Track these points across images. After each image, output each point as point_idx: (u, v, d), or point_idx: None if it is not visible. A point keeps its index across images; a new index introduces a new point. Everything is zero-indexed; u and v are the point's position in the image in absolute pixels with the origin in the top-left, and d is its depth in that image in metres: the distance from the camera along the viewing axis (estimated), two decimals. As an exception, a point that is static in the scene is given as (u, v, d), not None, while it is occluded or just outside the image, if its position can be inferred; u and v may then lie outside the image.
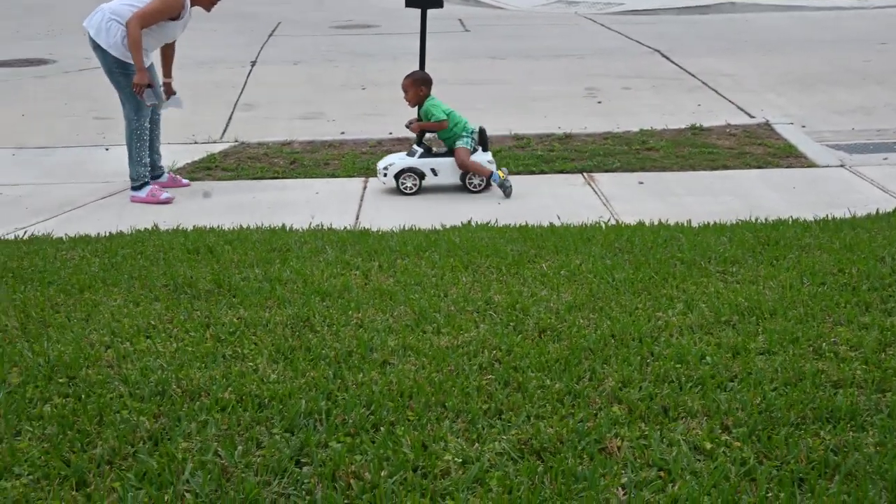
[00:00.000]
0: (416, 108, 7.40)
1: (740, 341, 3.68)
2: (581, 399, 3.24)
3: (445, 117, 7.24)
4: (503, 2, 17.47)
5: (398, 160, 7.26)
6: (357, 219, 6.68)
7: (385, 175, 7.23)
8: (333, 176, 7.69)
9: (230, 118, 9.73)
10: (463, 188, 7.25)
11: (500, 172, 7.15)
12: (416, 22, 8.58)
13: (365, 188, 7.41)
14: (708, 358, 3.53)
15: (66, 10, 17.49)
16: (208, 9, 7.11)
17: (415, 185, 7.19)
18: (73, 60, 12.52)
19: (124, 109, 7.04)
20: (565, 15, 16.17)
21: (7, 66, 12.25)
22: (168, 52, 7.31)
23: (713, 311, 4.02)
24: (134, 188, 7.10)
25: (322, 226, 6.18)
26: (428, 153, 7.31)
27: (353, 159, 8.03)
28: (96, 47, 6.99)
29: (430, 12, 8.38)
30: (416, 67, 8.45)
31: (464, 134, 7.26)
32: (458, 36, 14.10)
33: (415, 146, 7.37)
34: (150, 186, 7.11)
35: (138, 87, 6.87)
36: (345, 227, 6.19)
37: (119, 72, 6.94)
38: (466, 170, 7.19)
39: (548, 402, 3.22)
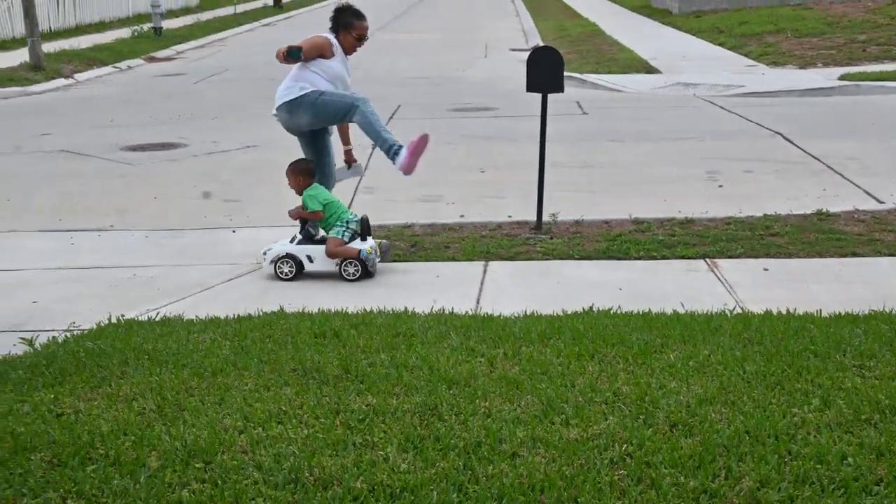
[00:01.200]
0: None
1: (884, 442, 3.56)
2: (718, 499, 3.17)
3: (320, 208, 7.42)
4: (621, 84, 17.54)
5: (278, 246, 7.46)
6: (478, 303, 6.71)
7: (264, 259, 7.39)
8: (454, 259, 7.75)
9: (352, 201, 9.93)
10: (341, 277, 7.35)
11: (367, 248, 7.28)
12: (534, 104, 8.69)
13: (485, 272, 7.45)
14: (850, 459, 3.42)
15: (200, 96, 18.24)
16: (348, 53, 7.51)
17: (291, 270, 7.35)
18: (202, 145, 13.01)
19: (348, 116, 7.46)
20: (684, 97, 16.13)
21: (141, 150, 12.79)
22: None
23: (852, 408, 3.90)
24: (394, 154, 7.46)
25: (444, 310, 6.22)
26: (308, 240, 7.49)
27: (473, 243, 8.10)
28: (282, 110, 7.44)
29: (550, 95, 8.49)
30: (537, 150, 8.54)
31: (337, 224, 7.43)
32: (576, 118, 14.18)
33: (297, 233, 7.54)
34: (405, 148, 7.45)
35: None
36: (466, 312, 6.22)
37: (302, 111, 7.36)
38: (333, 257, 7.33)
39: (683, 501, 3.15)
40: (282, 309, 6.24)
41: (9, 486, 3.42)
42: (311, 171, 7.67)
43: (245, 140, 13.23)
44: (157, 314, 6.29)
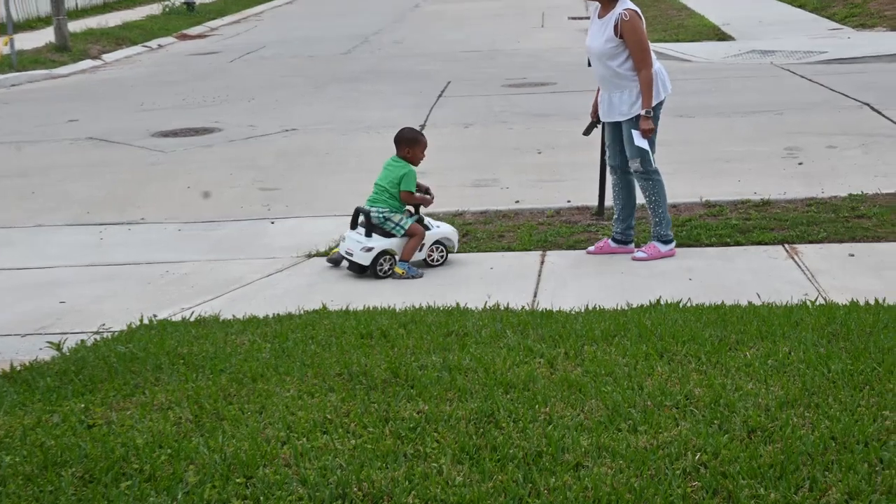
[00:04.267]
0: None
1: (985, 449, 3.50)
2: (801, 514, 3.14)
3: None
4: (690, 53, 17.36)
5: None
6: (535, 297, 6.71)
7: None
8: (508, 249, 7.76)
9: (399, 187, 9.95)
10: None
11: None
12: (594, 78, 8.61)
13: (542, 263, 7.44)
14: (947, 468, 3.38)
15: (236, 76, 18.38)
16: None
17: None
18: (238, 129, 13.11)
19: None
20: (760, 66, 15.93)
21: (173, 136, 12.92)
22: None
23: (950, 411, 3.85)
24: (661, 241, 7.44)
25: (499, 305, 6.23)
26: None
27: (530, 231, 8.09)
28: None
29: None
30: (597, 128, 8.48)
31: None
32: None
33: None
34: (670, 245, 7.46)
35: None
36: (523, 307, 6.22)
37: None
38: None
39: (762, 517, 3.13)
40: (325, 307, 6.29)
41: None
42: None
43: (284, 123, 13.32)
44: (192, 314, 6.37)
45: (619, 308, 6.04)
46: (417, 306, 6.21)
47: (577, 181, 9.53)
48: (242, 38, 24.75)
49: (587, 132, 7.79)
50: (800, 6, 21.79)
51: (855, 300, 5.92)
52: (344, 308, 6.24)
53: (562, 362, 4.76)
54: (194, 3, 29.86)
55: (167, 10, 29.38)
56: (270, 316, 6.10)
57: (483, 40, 21.59)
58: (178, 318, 6.34)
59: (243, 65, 19.81)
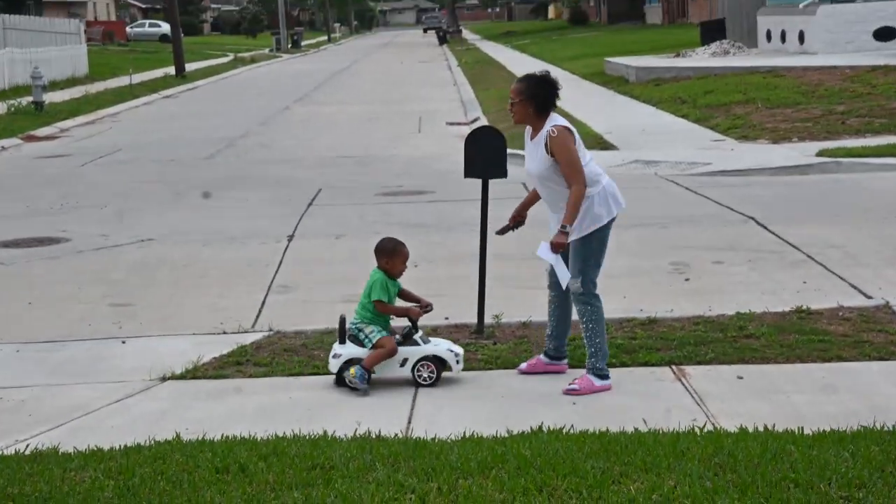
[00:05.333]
0: None
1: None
2: None
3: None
4: (572, 162, 17.75)
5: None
6: (409, 423, 6.67)
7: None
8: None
9: (263, 302, 9.85)
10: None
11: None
12: (475, 187, 8.75)
13: (418, 385, 7.39)
14: None
15: (87, 181, 18.13)
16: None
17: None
18: (89, 239, 12.86)
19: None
20: (644, 177, 16.37)
21: (14, 247, 12.60)
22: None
23: (840, 550, 3.89)
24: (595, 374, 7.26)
25: (370, 433, 6.16)
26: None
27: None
28: None
29: (492, 180, 8.55)
30: (477, 240, 8.58)
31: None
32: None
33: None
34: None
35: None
36: (396, 435, 6.16)
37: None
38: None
39: None
40: (178, 436, 6.12)
41: None
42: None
43: (139, 233, 13.12)
44: (27, 446, 6.12)
45: (498, 436, 6.02)
46: (281, 435, 6.09)
47: (456, 297, 9.56)
48: (96, 140, 24.49)
49: (501, 232, 7.87)
50: (682, 116, 22.56)
51: (744, 427, 6.01)
52: (199, 438, 6.08)
53: (434, 499, 4.70)
54: (43, 102, 29.43)
55: (13, 109, 28.90)
56: (117, 448, 5.90)
57: (357, 145, 21.79)
58: (10, 451, 6.08)
59: (96, 169, 19.55)
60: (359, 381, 7.24)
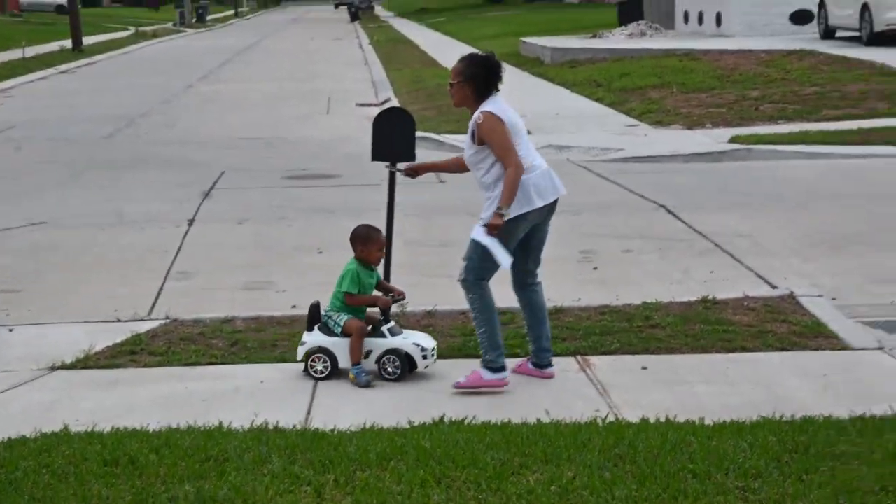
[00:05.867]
0: None
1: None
2: None
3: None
4: (483, 146, 17.85)
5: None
6: (309, 414, 6.70)
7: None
8: (283, 360, 7.71)
9: (160, 290, 9.79)
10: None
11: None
12: (384, 171, 8.77)
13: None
14: None
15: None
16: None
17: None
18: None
19: None
20: (556, 162, 16.38)
21: None
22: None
23: (731, 540, 4.02)
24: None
25: (267, 424, 6.18)
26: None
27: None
28: None
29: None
30: (384, 225, 8.60)
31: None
32: (433, 188, 14.35)
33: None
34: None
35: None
36: (294, 426, 6.19)
37: None
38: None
39: None
40: (67, 429, 6.07)
41: None
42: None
43: (31, 215, 12.93)
44: None
45: (399, 427, 6.08)
46: (175, 426, 6.08)
47: (361, 284, 9.59)
48: (-13, 116, 24.03)
49: (405, 172, 7.82)
50: (597, 99, 22.76)
51: (645, 417, 6.15)
52: (89, 430, 6.04)
53: (330, 491, 4.75)
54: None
55: None
56: None
57: (263, 126, 21.65)
58: None
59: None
60: (359, 379, 7.16)
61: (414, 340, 7.30)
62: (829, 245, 10.80)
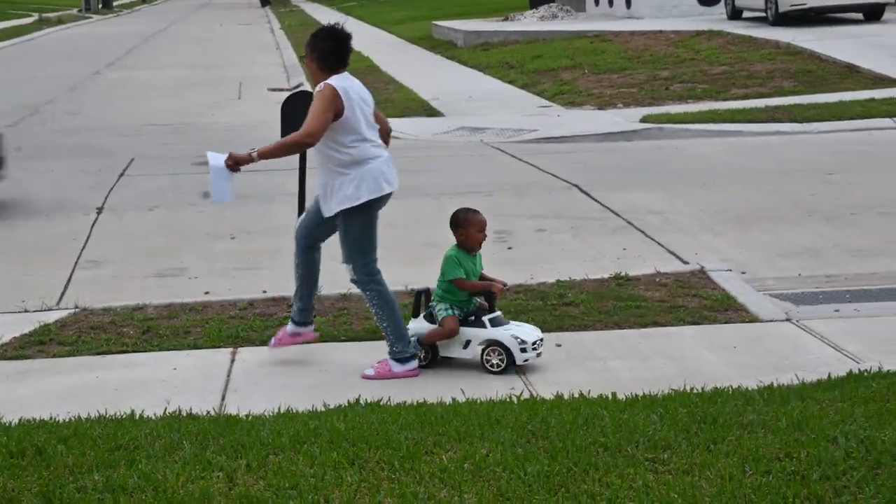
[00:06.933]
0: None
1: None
2: None
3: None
4: (398, 129, 17.79)
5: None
6: (223, 400, 6.69)
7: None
8: (195, 347, 7.68)
9: (69, 279, 9.66)
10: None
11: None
12: (296, 156, 8.72)
13: (233, 361, 7.40)
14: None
15: None
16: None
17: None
18: None
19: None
20: (470, 144, 16.56)
21: None
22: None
23: (642, 510, 4.08)
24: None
25: (180, 411, 6.15)
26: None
27: (220, 325, 8.03)
28: None
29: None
30: (296, 210, 8.56)
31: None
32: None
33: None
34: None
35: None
36: (208, 413, 6.15)
37: None
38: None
39: None
40: (-29, 422, 5.97)
41: None
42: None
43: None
44: None
45: (314, 410, 6.07)
46: (84, 417, 6.01)
47: (274, 269, 9.56)
48: None
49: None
50: (510, 82, 22.87)
51: (560, 394, 6.20)
52: (-6, 421, 5.95)
53: (242, 476, 4.73)
54: None
55: None
56: None
57: (173, 112, 21.41)
58: None
59: None
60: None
61: (513, 333, 7.00)
62: (739, 221, 10.97)
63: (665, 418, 5.32)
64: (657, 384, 6.34)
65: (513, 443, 5.04)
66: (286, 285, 8.77)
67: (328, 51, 6.90)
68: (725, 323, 7.80)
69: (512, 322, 7.18)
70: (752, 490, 4.28)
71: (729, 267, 9.03)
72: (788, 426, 5.08)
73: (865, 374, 6.31)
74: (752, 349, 7.24)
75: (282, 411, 6.10)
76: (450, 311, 7.04)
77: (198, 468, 4.84)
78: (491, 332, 6.99)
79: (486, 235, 7.25)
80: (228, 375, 7.15)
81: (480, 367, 7.00)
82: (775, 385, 6.13)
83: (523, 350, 6.93)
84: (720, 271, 8.86)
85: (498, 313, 7.15)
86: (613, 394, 6.10)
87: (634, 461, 4.70)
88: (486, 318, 7.05)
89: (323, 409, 6.11)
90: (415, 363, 7.04)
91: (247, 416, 6.01)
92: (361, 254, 7.05)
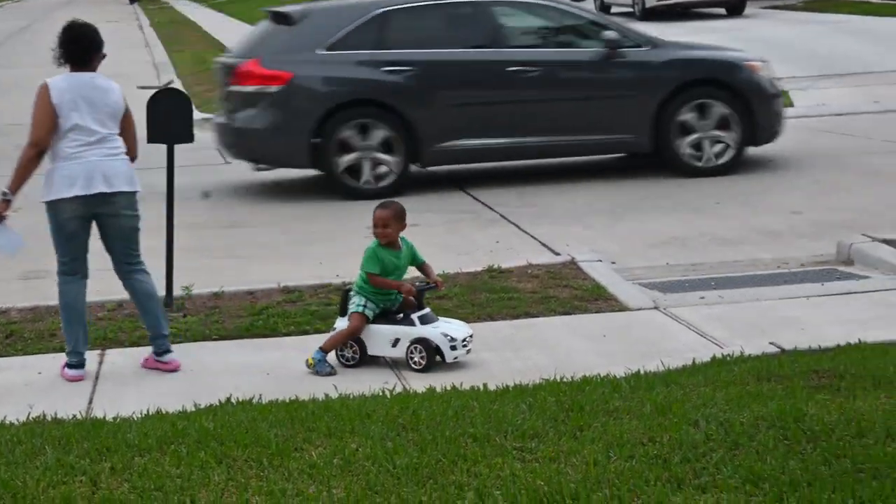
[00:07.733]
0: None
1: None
2: None
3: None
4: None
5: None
6: (90, 404, 6.58)
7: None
8: (62, 350, 7.51)
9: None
10: None
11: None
12: (163, 154, 8.63)
13: (101, 363, 7.31)
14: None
15: None
16: None
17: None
18: None
19: None
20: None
21: None
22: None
23: (508, 499, 4.13)
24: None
25: (45, 416, 6.04)
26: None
27: (88, 327, 7.87)
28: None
29: (181, 145, 8.47)
30: (164, 208, 8.43)
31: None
32: (220, 169, 14.18)
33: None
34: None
35: None
36: (73, 417, 6.05)
37: None
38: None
39: None
40: None
41: None
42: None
43: None
44: None
45: (184, 410, 6.01)
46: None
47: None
48: None
49: None
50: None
51: (432, 387, 6.23)
52: None
53: (106, 479, 4.68)
54: None
55: None
56: None
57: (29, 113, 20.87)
58: None
59: None
60: (319, 367, 6.88)
61: (443, 330, 6.95)
62: (610, 211, 11.13)
63: (534, 407, 5.39)
64: (529, 374, 6.40)
65: (383, 436, 5.06)
66: (156, 284, 8.67)
67: (64, 46, 6.97)
68: (596, 312, 7.92)
69: (441, 319, 7.15)
70: (615, 475, 4.36)
71: (599, 258, 9.16)
72: (652, 411, 5.19)
73: (728, 358, 6.48)
74: (621, 337, 7.37)
75: (151, 413, 6.02)
76: (360, 308, 6.98)
77: (60, 473, 4.77)
78: (420, 330, 6.93)
79: (390, 230, 7.16)
80: (97, 378, 7.04)
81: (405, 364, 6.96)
82: (642, 372, 6.25)
83: (453, 348, 6.91)
84: (590, 262, 8.98)
85: (427, 310, 7.10)
86: (485, 385, 6.15)
87: (503, 450, 4.76)
88: (415, 316, 6.99)
89: (193, 409, 6.05)
90: (79, 371, 7.00)
91: (114, 418, 5.93)
92: (58, 248, 7.25)
